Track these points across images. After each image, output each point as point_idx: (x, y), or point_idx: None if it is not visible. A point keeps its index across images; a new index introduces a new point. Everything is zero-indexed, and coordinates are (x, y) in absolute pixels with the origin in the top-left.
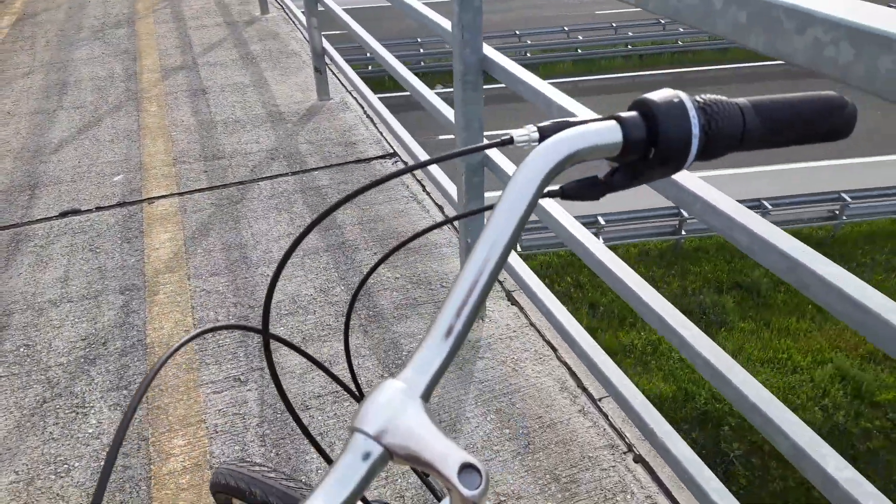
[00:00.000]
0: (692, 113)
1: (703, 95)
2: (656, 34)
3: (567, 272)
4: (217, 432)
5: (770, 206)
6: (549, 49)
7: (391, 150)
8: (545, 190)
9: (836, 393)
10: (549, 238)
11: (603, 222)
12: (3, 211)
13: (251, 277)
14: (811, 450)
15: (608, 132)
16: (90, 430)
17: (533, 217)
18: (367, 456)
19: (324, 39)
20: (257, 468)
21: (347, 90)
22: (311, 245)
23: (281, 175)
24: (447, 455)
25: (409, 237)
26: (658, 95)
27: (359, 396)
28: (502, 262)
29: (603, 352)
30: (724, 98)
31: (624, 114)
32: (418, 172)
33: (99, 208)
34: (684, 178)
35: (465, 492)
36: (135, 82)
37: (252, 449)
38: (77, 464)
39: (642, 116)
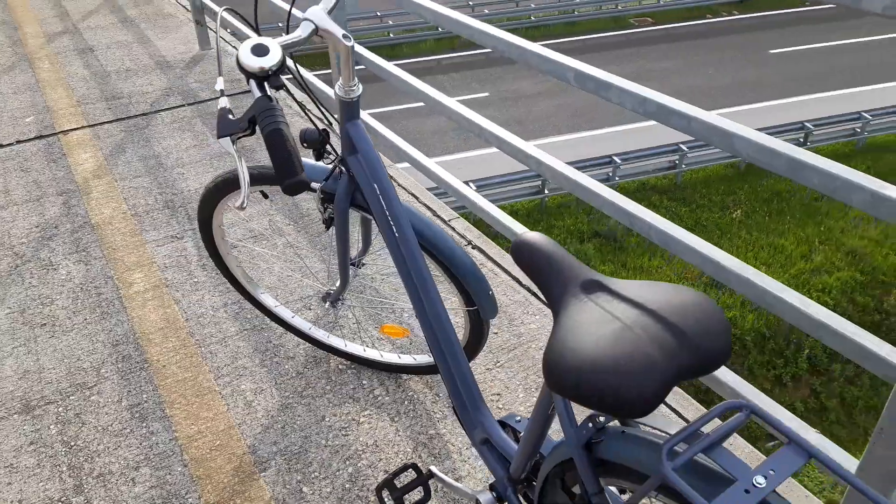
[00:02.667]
0: None
1: None
2: (511, 11)
3: None
4: (167, 266)
5: (619, 161)
6: (411, 29)
7: None
8: None
9: None
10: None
11: (474, 188)
12: None
13: (170, 175)
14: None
15: None
16: (63, 277)
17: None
18: (306, 26)
19: None
20: None
21: (226, 41)
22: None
23: (179, 106)
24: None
25: None
26: None
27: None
28: None
29: (440, 167)
30: None
31: None
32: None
33: (19, 141)
34: None
35: (344, 43)
36: (21, 46)
37: (197, 273)
38: (58, 297)
39: None
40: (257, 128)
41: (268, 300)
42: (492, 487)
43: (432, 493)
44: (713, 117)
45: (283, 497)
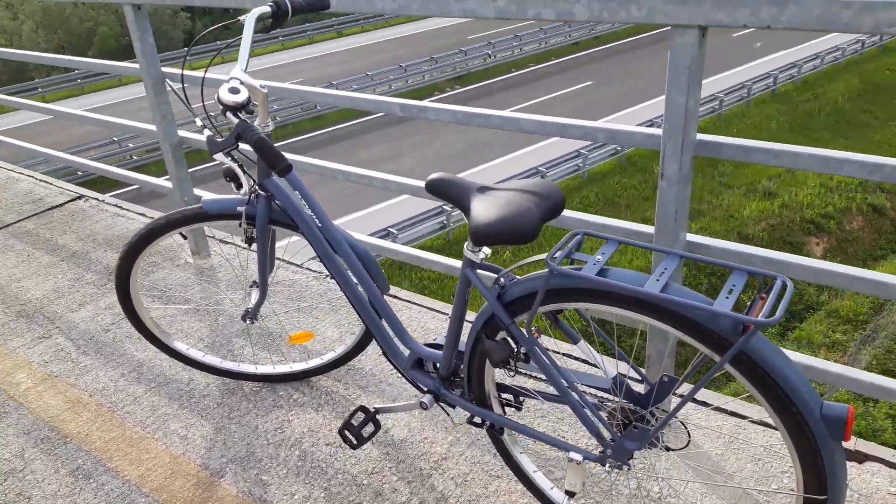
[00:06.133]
0: None
1: None
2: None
3: None
4: (47, 362)
5: (544, 170)
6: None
7: (78, 194)
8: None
9: None
10: None
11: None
12: None
13: (10, 291)
14: None
15: (262, 10)
16: None
17: None
18: (234, 82)
19: None
20: None
21: (8, 169)
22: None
23: None
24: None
25: None
26: None
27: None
28: None
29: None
30: None
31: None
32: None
33: None
34: None
35: (262, 91)
36: None
37: (81, 359)
38: None
39: None
40: (240, 143)
41: (180, 346)
42: (427, 392)
43: (381, 424)
44: (501, 112)
45: (248, 489)
